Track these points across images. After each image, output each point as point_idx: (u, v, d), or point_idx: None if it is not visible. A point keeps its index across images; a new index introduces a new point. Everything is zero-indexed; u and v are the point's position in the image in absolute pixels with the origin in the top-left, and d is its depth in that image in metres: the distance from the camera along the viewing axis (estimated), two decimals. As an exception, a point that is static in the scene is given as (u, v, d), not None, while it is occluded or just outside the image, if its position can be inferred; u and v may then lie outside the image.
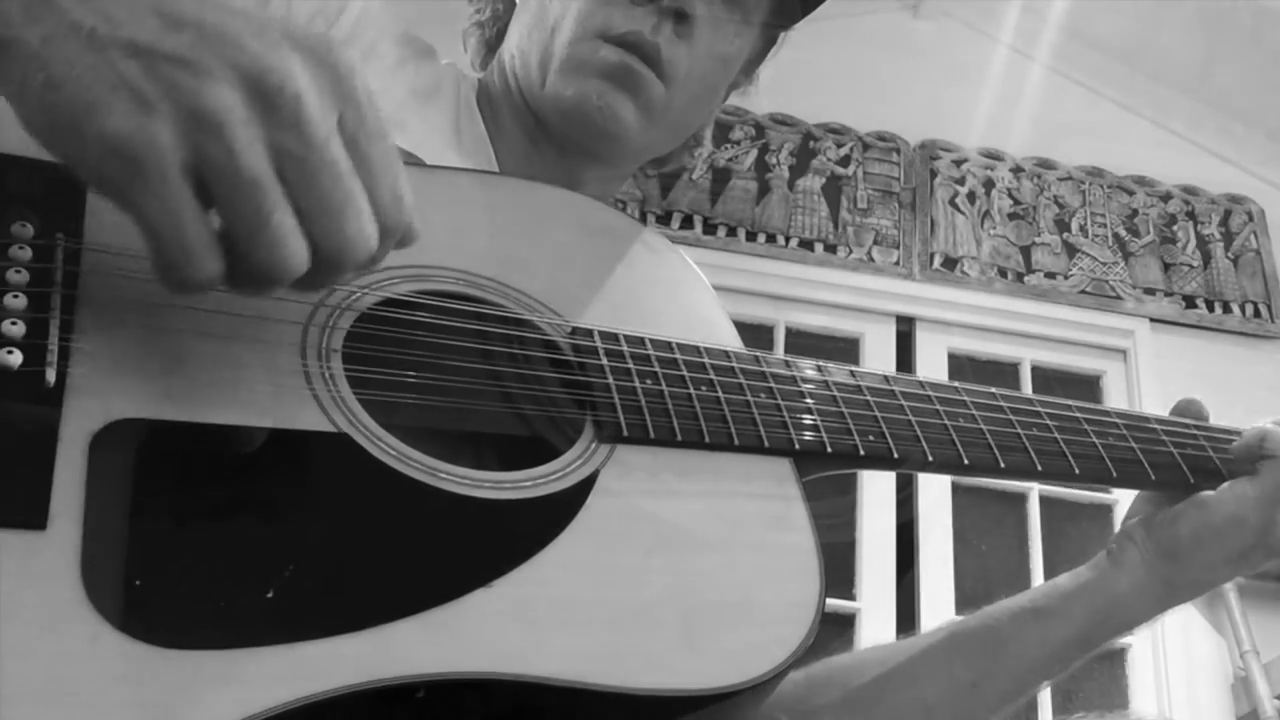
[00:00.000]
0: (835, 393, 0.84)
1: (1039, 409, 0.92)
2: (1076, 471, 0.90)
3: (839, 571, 3.10)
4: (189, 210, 0.56)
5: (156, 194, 0.55)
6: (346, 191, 0.59)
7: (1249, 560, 0.95)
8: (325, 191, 0.58)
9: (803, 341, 3.41)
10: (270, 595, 0.58)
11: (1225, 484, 0.95)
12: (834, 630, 3.01)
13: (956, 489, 3.24)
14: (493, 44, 1.15)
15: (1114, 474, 0.92)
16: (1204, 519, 0.94)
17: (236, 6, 0.59)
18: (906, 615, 3.07)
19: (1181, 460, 0.95)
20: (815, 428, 0.81)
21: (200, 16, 0.57)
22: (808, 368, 0.86)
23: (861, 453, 0.82)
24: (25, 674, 0.52)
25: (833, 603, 3.02)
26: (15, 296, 0.61)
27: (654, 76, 1.00)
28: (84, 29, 0.55)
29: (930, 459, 0.84)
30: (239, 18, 0.58)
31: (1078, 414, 0.93)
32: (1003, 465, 0.86)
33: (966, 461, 0.85)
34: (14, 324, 0.60)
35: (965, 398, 0.89)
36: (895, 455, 0.83)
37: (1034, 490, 3.26)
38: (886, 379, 0.88)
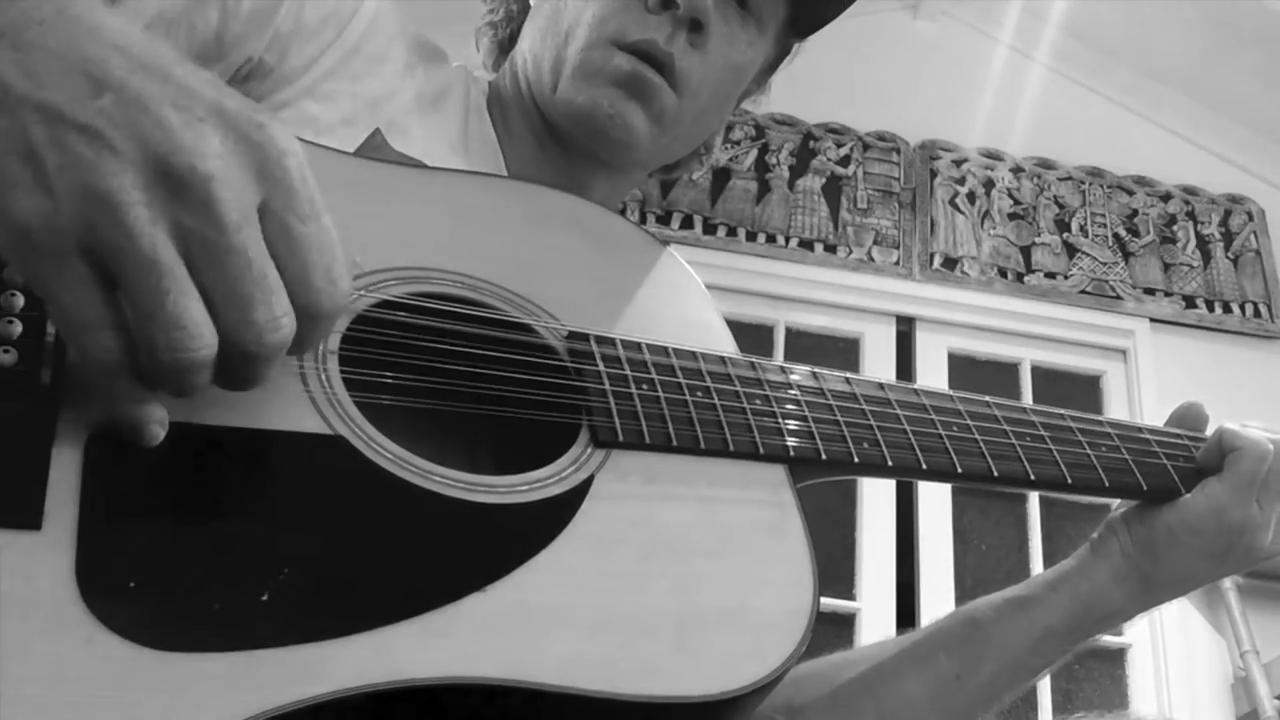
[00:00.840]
0: (830, 400, 0.84)
1: (1033, 418, 0.92)
2: (1069, 481, 0.90)
3: (839, 571, 3.10)
4: (83, 290, 0.54)
5: (53, 275, 0.54)
6: (256, 277, 0.56)
7: (1229, 560, 0.96)
8: (232, 277, 0.55)
9: (802, 342, 3.41)
10: (265, 598, 0.58)
11: (1198, 484, 0.96)
12: (834, 630, 3.01)
13: (956, 489, 3.23)
14: (505, 45, 1.15)
15: (1106, 484, 0.92)
16: (1179, 516, 0.95)
17: (173, 70, 0.57)
18: (906, 615, 3.07)
19: (1173, 471, 0.96)
20: (810, 435, 0.81)
21: (125, 80, 0.55)
22: (803, 374, 0.86)
23: (856, 460, 0.81)
24: (19, 676, 0.52)
25: (833, 603, 3.03)
26: (12, 295, 0.61)
27: (667, 86, 1.00)
28: (3, 85, 0.53)
29: (924, 467, 0.84)
30: (169, 85, 0.56)
31: (1071, 424, 0.94)
32: (996, 474, 0.87)
33: (960, 470, 0.85)
34: (10, 323, 0.60)
35: (960, 406, 0.89)
36: (889, 463, 0.83)
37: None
38: (881, 386, 0.88)
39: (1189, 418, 1.02)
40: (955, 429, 0.87)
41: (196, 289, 0.55)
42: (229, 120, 0.57)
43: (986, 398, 0.92)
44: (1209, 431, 1.00)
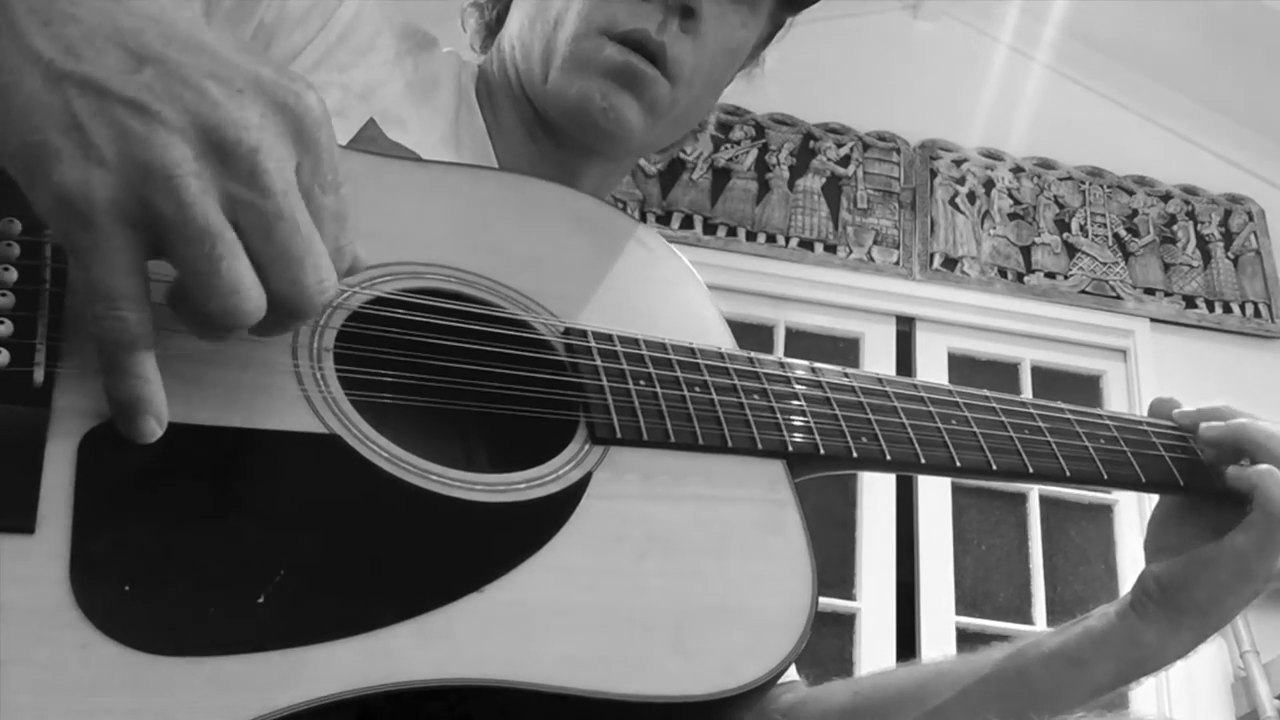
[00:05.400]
0: (829, 394, 0.84)
1: (1031, 411, 0.92)
2: (1067, 473, 0.90)
3: (839, 571, 3.10)
4: (117, 259, 0.55)
5: (89, 244, 0.54)
6: (305, 241, 0.58)
7: (1262, 591, 0.93)
8: (283, 241, 0.57)
9: (802, 341, 3.41)
10: (261, 600, 0.57)
11: (1223, 540, 0.91)
12: (834, 630, 3.01)
13: (956, 489, 3.24)
14: (492, 27, 1.13)
15: (1105, 476, 0.91)
16: (1214, 578, 0.91)
17: (205, 39, 0.58)
18: (906, 615, 3.07)
19: (1172, 464, 0.95)
20: (808, 429, 0.80)
21: (164, 53, 0.56)
22: (801, 369, 0.85)
23: (854, 454, 0.81)
24: (13, 682, 0.51)
25: (833, 603, 3.03)
26: (3, 294, 0.60)
27: (659, 76, 0.98)
28: (43, 60, 0.54)
29: (923, 460, 0.83)
30: (205, 56, 0.57)
31: (1070, 416, 0.93)
32: (994, 467, 0.86)
33: (959, 463, 0.85)
34: (1, 323, 0.59)
35: (958, 399, 0.89)
36: (888, 457, 0.82)
37: (1034, 490, 3.26)
38: (879, 380, 0.87)
39: (1162, 413, 1.00)
40: (954, 422, 0.87)
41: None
42: (266, 89, 0.58)
43: (985, 391, 0.91)
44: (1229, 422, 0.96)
